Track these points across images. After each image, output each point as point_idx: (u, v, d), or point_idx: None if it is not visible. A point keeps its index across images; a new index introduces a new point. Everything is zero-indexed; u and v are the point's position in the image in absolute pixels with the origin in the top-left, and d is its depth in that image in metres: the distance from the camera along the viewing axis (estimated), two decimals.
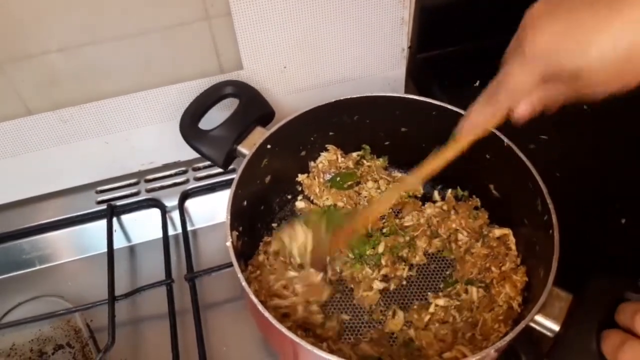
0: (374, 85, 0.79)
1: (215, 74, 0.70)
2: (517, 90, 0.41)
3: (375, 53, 0.75)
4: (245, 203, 0.61)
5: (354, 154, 0.71)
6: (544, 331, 0.47)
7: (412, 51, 0.80)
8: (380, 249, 0.64)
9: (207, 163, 0.79)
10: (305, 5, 0.66)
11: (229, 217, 0.55)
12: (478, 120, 0.46)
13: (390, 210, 0.68)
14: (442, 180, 0.70)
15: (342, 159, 0.70)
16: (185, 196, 0.75)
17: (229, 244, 0.53)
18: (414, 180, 0.53)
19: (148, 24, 0.63)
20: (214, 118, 0.64)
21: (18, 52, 0.61)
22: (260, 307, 0.47)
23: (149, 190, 0.77)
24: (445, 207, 0.68)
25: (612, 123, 0.75)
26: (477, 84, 0.79)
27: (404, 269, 0.64)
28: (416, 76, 0.82)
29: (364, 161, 0.71)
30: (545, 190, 0.53)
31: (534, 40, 0.38)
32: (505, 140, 0.58)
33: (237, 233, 0.56)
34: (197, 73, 0.70)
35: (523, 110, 0.42)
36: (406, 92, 0.82)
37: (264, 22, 0.66)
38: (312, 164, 0.70)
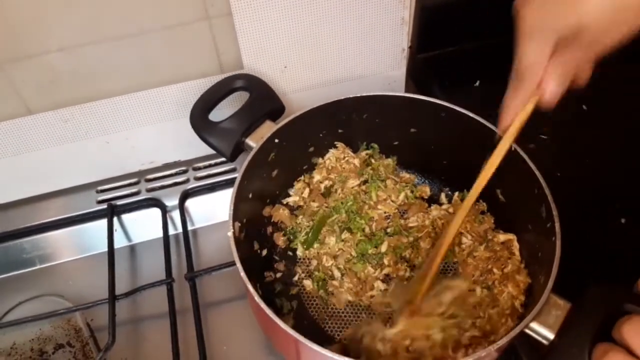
0: (374, 86, 0.79)
1: (216, 73, 0.71)
2: (534, 67, 0.42)
3: (376, 53, 0.75)
4: (250, 195, 0.61)
5: (363, 153, 0.71)
6: (539, 338, 0.46)
7: (412, 51, 0.80)
8: (383, 248, 0.64)
9: (208, 163, 0.79)
10: (306, 5, 0.66)
11: (232, 206, 0.55)
12: (511, 113, 0.47)
13: (396, 210, 0.68)
14: (449, 182, 0.70)
15: (351, 157, 0.70)
16: (185, 196, 0.75)
17: (230, 233, 0.53)
18: (471, 199, 0.54)
19: (148, 24, 0.63)
20: (224, 111, 0.64)
21: (18, 52, 0.61)
22: (262, 303, 0.47)
23: (149, 190, 0.77)
24: (451, 210, 0.67)
25: (612, 123, 0.75)
26: (477, 84, 0.79)
27: (406, 269, 0.64)
28: (416, 76, 0.82)
29: (372, 160, 0.71)
30: (550, 197, 0.53)
31: (527, 14, 0.40)
32: (513, 144, 0.58)
33: (239, 224, 0.56)
34: (197, 73, 0.70)
35: (550, 90, 0.42)
36: (406, 92, 0.82)
37: (265, 22, 0.66)
38: (319, 160, 0.70)
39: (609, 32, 0.38)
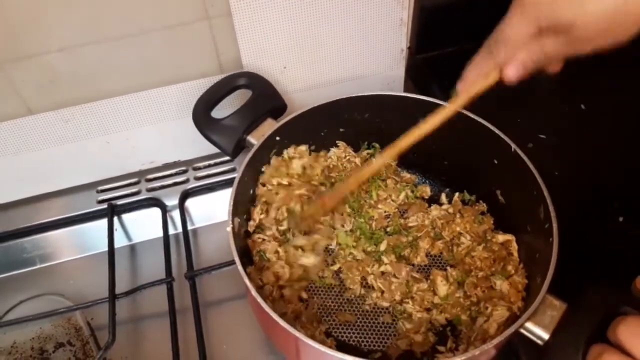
0: (373, 86, 0.79)
1: (216, 73, 0.71)
2: (515, 40, 0.42)
3: (375, 54, 0.75)
4: (251, 192, 0.61)
5: (364, 152, 0.71)
6: (534, 338, 0.46)
7: (411, 51, 0.80)
8: (382, 247, 0.64)
9: (207, 162, 0.79)
10: (305, 6, 0.66)
11: (232, 202, 0.55)
12: (476, 73, 0.47)
13: (396, 209, 0.68)
14: (449, 183, 0.71)
15: (352, 156, 0.70)
16: (185, 195, 0.75)
17: (229, 228, 0.53)
18: (405, 142, 0.55)
19: (148, 24, 0.64)
20: (227, 108, 0.65)
21: (18, 52, 0.62)
22: (262, 302, 0.47)
23: (149, 190, 0.77)
24: (451, 210, 0.67)
25: (612, 122, 0.75)
26: None
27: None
28: (415, 76, 0.82)
29: (374, 160, 0.71)
30: (548, 199, 0.53)
31: None
32: (513, 145, 0.58)
33: (239, 220, 0.57)
34: (197, 73, 0.70)
35: (514, 68, 0.43)
36: (405, 92, 0.82)
37: (264, 22, 0.66)
38: None
39: (602, 36, 0.38)
